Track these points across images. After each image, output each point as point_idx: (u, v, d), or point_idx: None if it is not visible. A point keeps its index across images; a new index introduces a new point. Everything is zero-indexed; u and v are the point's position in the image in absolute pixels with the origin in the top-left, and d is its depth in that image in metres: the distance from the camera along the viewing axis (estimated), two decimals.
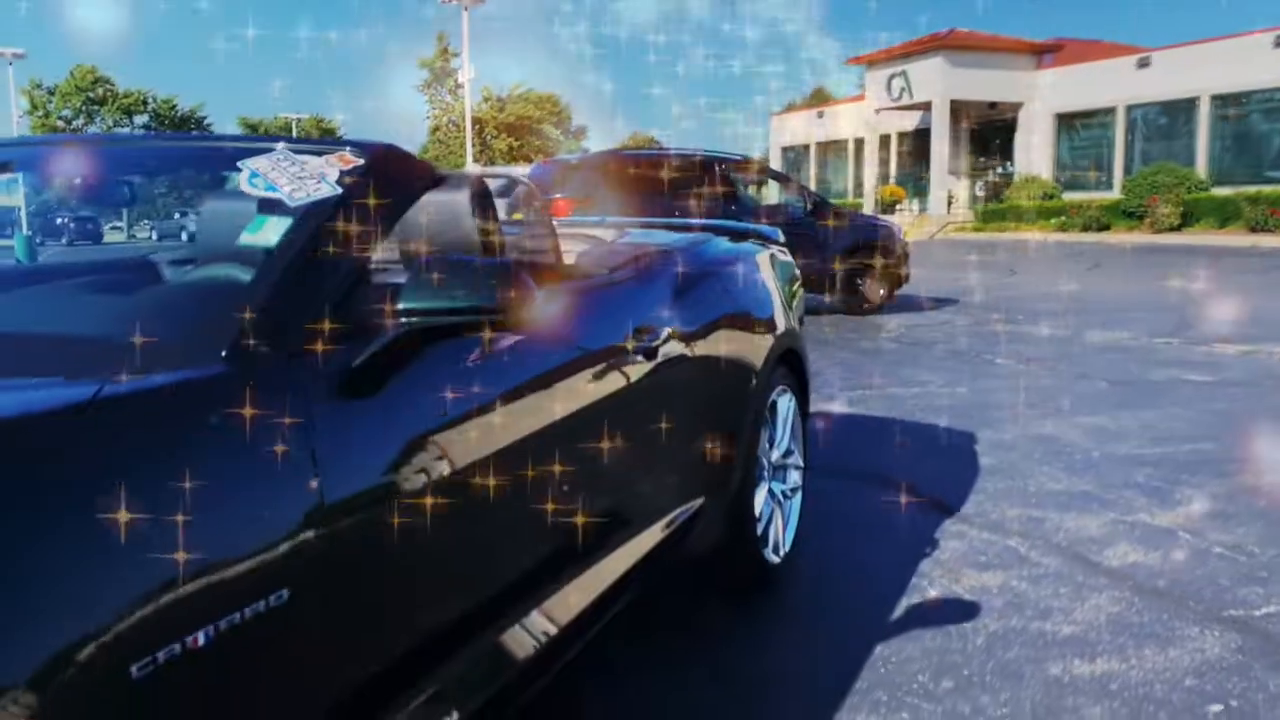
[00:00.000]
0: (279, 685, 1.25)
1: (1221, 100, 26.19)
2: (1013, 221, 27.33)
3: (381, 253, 1.77)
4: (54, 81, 63.00)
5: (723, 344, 2.71)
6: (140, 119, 65.66)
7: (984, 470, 4.42)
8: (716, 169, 9.99)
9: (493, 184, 2.19)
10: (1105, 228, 25.15)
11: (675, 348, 2.46)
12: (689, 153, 10.31)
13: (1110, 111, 28.85)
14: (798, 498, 3.30)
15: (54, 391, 1.19)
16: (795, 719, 2.31)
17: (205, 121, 67.82)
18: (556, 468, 1.85)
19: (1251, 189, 23.34)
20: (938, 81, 29.78)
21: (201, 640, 1.12)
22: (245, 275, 1.60)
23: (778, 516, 3.11)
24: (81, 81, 62.46)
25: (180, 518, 1.11)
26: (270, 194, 1.68)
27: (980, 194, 32.25)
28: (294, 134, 67.48)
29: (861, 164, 34.84)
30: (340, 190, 1.69)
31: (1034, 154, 30.50)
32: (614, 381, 2.15)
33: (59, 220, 45.91)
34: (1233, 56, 25.19)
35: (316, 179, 1.70)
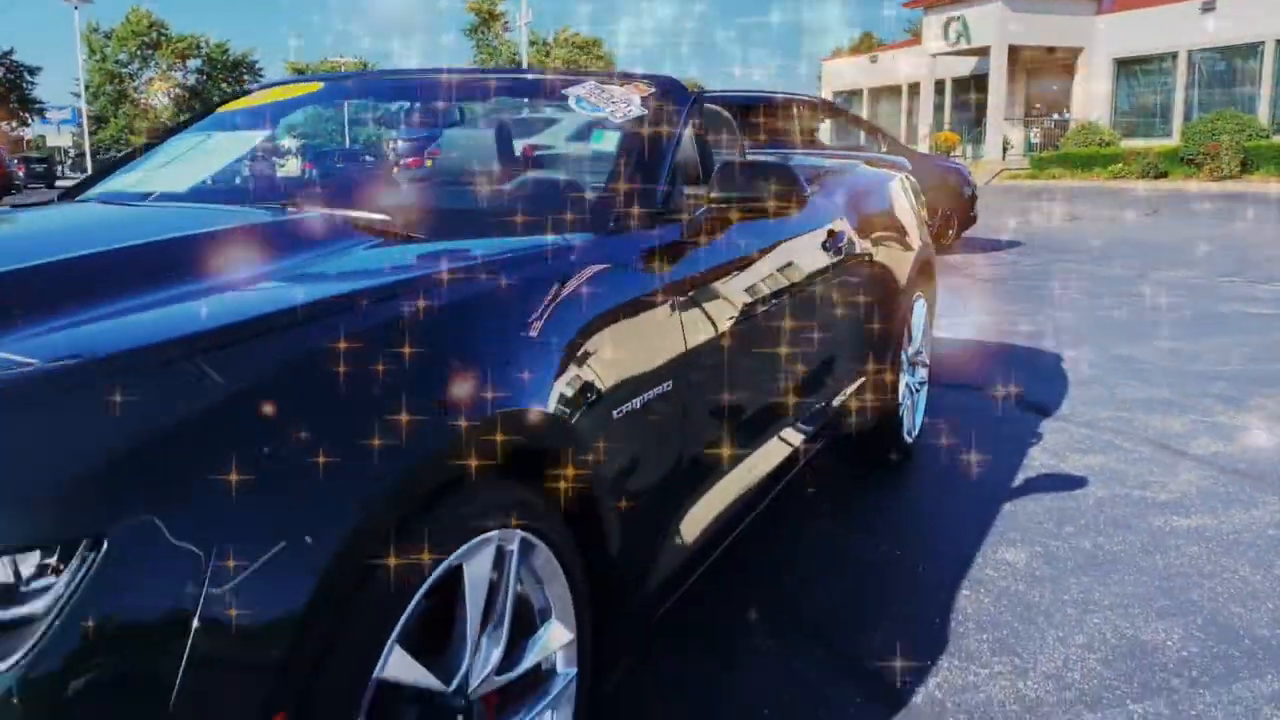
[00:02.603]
0: (666, 439, 1.82)
1: None
2: (1069, 168, 27.28)
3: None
4: (110, 26, 63.86)
5: (882, 249, 3.23)
6: (194, 63, 66.52)
7: (1072, 382, 4.91)
8: (795, 109, 10.38)
9: None
10: (1163, 175, 25.06)
11: (851, 248, 2.99)
12: (766, 94, 10.68)
13: (1171, 57, 28.52)
14: (924, 391, 3.83)
15: (523, 242, 1.76)
16: (951, 549, 2.86)
17: (257, 66, 68.51)
18: (789, 327, 2.40)
19: None
20: (996, 26, 29.55)
21: (638, 404, 1.69)
22: (588, 174, 2.15)
23: (909, 404, 3.65)
24: (138, 26, 63.24)
25: (613, 328, 1.67)
26: (597, 114, 2.22)
27: (1036, 140, 32.07)
28: None
29: (915, 109, 34.71)
30: (646, 110, 2.22)
31: (1092, 100, 30.25)
32: (818, 270, 2.69)
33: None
34: None
35: (626, 103, 2.24)
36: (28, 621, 0.92)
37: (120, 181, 2.41)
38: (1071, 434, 4.03)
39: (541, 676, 1.51)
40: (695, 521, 1.99)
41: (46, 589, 0.93)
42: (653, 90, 2.29)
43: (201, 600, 0.97)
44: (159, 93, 65.83)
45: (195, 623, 0.96)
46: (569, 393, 1.51)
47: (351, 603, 1.09)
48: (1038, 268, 9.81)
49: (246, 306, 1.33)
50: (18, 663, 0.90)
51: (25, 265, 1.38)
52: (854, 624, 2.42)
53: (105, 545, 0.94)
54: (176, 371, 1.10)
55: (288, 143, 2.65)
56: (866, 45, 54.54)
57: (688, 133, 2.43)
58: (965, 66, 32.85)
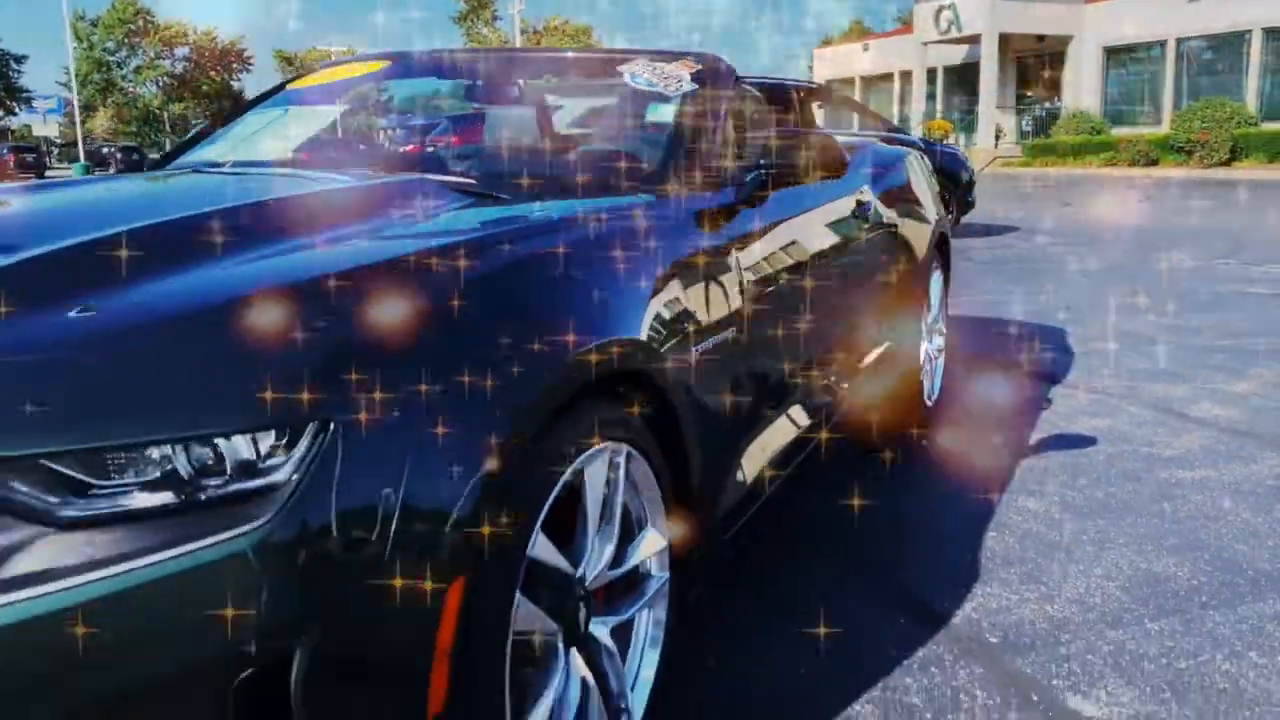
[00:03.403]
0: (731, 379, 2.01)
1: (1273, 34, 26.10)
2: (1061, 156, 27.53)
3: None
4: (96, 14, 63.56)
5: (904, 221, 3.43)
6: (181, 51, 66.30)
7: (1078, 354, 5.12)
8: (795, 96, 10.55)
9: None
10: (1154, 163, 25.34)
11: (878, 218, 3.18)
12: (764, 79, 10.85)
13: (1160, 45, 28.78)
14: (941, 358, 4.03)
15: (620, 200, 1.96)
16: (974, 499, 3.07)
17: (246, 54, 68.32)
18: (826, 287, 2.60)
19: None
20: (987, 14, 29.76)
21: (710, 345, 1.88)
22: (647, 144, 2.34)
23: (929, 370, 3.85)
24: (123, 13, 62.93)
25: (686, 278, 1.86)
26: (651, 89, 2.40)
27: (1027, 129, 32.33)
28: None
29: (907, 98, 34.91)
30: (696, 85, 2.41)
31: (1082, 88, 30.51)
32: (850, 237, 2.88)
33: (105, 151, 47.28)
34: None
35: (677, 78, 2.42)
36: (272, 489, 1.10)
37: (207, 153, 2.59)
38: (1080, 399, 4.24)
39: (639, 578, 1.70)
40: (752, 460, 2.18)
41: (282, 464, 1.11)
42: (700, 66, 2.48)
43: (403, 483, 1.16)
44: (147, 81, 65.63)
45: (399, 500, 1.15)
46: (658, 328, 1.70)
47: (509, 494, 1.27)
48: (1036, 250, 10.02)
49: (408, 247, 1.51)
50: (265, 523, 1.08)
51: (203, 211, 1.57)
52: (892, 563, 2.62)
53: (331, 428, 1.12)
54: (375, 294, 1.28)
55: (360, 115, 2.82)
56: (857, 34, 54.76)
57: (734, 105, 2.62)
58: (957, 55, 33.05)
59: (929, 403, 3.83)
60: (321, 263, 1.40)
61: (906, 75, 34.86)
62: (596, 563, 1.54)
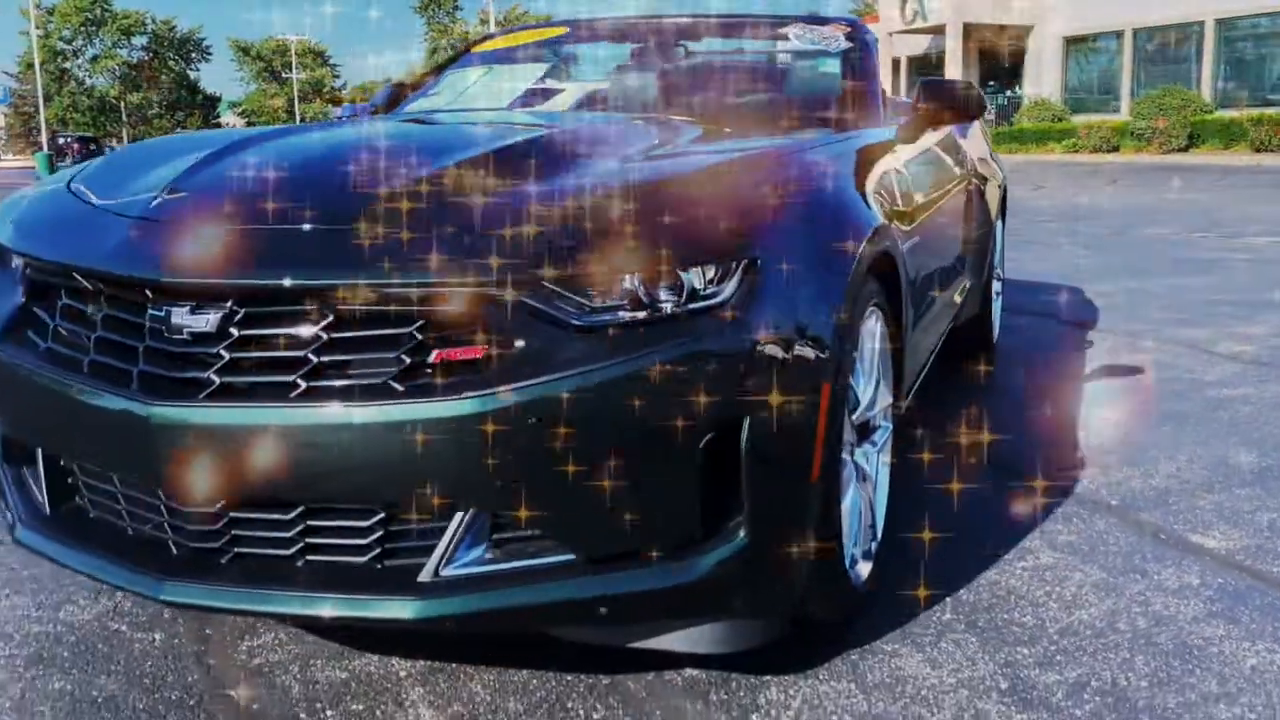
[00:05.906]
0: (919, 271, 2.43)
1: (1225, 24, 27.11)
2: (1023, 143, 28.35)
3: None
4: (52, 2, 62.46)
5: (987, 173, 3.88)
6: (139, 39, 65.41)
7: (1101, 308, 5.63)
8: None
9: None
10: (1114, 149, 26.21)
11: (972, 167, 3.63)
12: None
13: (1118, 35, 29.72)
14: (999, 300, 4.50)
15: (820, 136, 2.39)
16: (1056, 410, 3.53)
17: (204, 43, 67.58)
18: (954, 210, 3.04)
19: (1255, 111, 24.39)
20: (952, 5, 30.51)
21: (910, 242, 2.30)
22: (818, 92, 2.77)
23: (995, 308, 4.32)
24: (81, 2, 61.93)
25: (890, 188, 2.28)
26: (815, 46, 2.82)
27: (989, 117, 33.18)
28: (292, 55, 68.93)
29: None
30: (850, 44, 2.83)
31: (1043, 77, 31.40)
32: (960, 176, 3.33)
33: (62, 141, 46.79)
34: None
35: (834, 39, 2.85)
36: (720, 307, 1.51)
37: (427, 103, 2.97)
38: (1116, 340, 4.73)
39: (874, 427, 2.12)
40: (922, 338, 2.62)
41: (723, 290, 1.52)
42: (849, 29, 2.91)
43: (797, 312, 1.57)
44: (104, 71, 64.65)
45: (794, 322, 1.57)
46: (888, 220, 2.12)
47: (845, 329, 1.69)
48: (1023, 227, 10.55)
49: (731, 155, 1.93)
50: (717, 330, 1.49)
51: (543, 134, 1.99)
52: (1003, 458, 3.07)
53: (756, 266, 1.53)
54: (751, 182, 1.70)
55: (559, 71, 3.18)
56: None
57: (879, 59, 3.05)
58: (920, 45, 33.82)
59: (993, 337, 4.30)
60: (694, 163, 1.83)
61: None
62: (861, 403, 1.96)
